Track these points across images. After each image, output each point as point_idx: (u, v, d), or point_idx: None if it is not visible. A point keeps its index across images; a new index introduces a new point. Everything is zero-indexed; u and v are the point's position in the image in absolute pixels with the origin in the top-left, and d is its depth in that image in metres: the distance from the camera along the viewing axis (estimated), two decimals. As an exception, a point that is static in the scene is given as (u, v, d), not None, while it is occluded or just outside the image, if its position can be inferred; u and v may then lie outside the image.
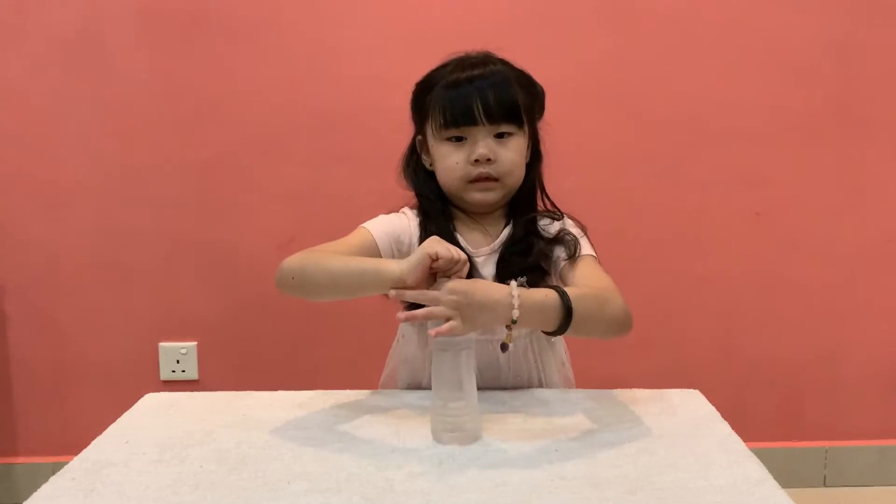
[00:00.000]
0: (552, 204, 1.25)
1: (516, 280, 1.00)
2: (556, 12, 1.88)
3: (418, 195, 1.23)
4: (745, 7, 1.90)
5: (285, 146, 1.91)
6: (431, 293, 0.96)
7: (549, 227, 1.21)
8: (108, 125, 1.90)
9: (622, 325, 1.07)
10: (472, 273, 1.14)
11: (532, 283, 1.10)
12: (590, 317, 1.02)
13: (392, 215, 1.23)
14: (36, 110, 1.88)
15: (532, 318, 0.99)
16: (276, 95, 1.89)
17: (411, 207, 1.24)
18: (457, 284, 0.96)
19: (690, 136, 1.94)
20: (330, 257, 1.08)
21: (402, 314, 0.99)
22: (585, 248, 1.18)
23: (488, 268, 1.18)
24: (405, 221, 1.21)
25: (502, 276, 1.15)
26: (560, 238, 1.18)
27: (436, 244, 0.98)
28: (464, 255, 0.99)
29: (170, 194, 1.92)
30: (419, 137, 1.23)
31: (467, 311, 0.94)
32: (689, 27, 1.91)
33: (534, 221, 1.20)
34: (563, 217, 1.23)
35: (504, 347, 1.03)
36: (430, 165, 1.21)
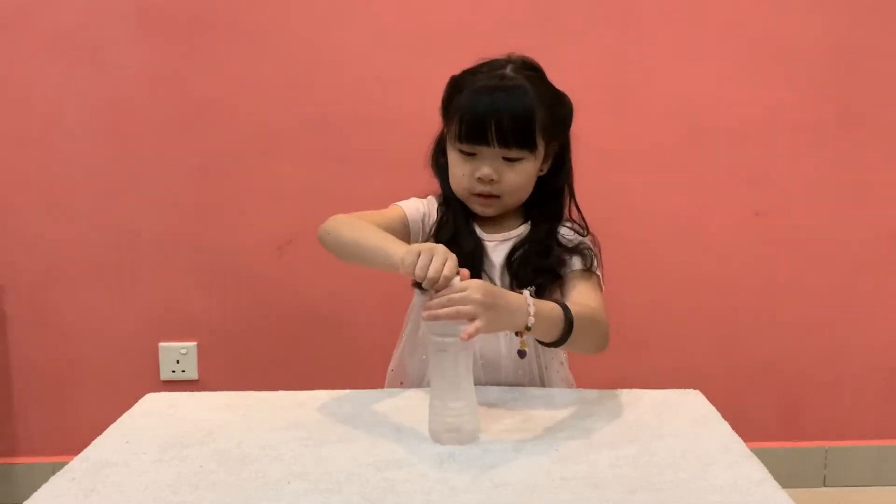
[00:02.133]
0: (581, 216, 1.27)
1: (528, 289, 1.04)
2: (556, 12, 1.88)
3: (442, 184, 1.27)
4: (746, 7, 1.90)
5: (285, 146, 1.91)
6: (458, 295, 0.96)
7: (571, 237, 1.24)
8: (109, 125, 1.90)
9: (603, 345, 1.15)
10: (482, 257, 1.20)
11: (543, 286, 1.18)
12: (583, 334, 1.07)
13: (422, 199, 1.29)
14: (36, 110, 1.88)
15: (540, 329, 1.02)
16: (276, 95, 1.89)
17: (436, 196, 1.29)
18: (483, 285, 0.97)
19: (690, 136, 1.94)
20: (362, 226, 1.13)
21: (426, 313, 0.97)
22: (596, 266, 1.22)
23: (498, 254, 1.22)
24: (430, 207, 1.28)
25: (516, 269, 1.20)
26: (579, 250, 1.21)
27: (426, 252, 0.97)
28: (447, 274, 0.96)
29: (170, 194, 1.92)
30: (445, 130, 1.25)
31: (492, 313, 0.96)
32: (690, 28, 1.91)
33: (556, 230, 1.23)
34: (586, 235, 1.25)
35: (522, 354, 1.05)
36: None
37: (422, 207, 1.27)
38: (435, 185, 1.29)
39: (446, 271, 0.97)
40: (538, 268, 1.19)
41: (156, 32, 1.87)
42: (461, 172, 1.19)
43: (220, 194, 1.92)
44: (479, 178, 1.17)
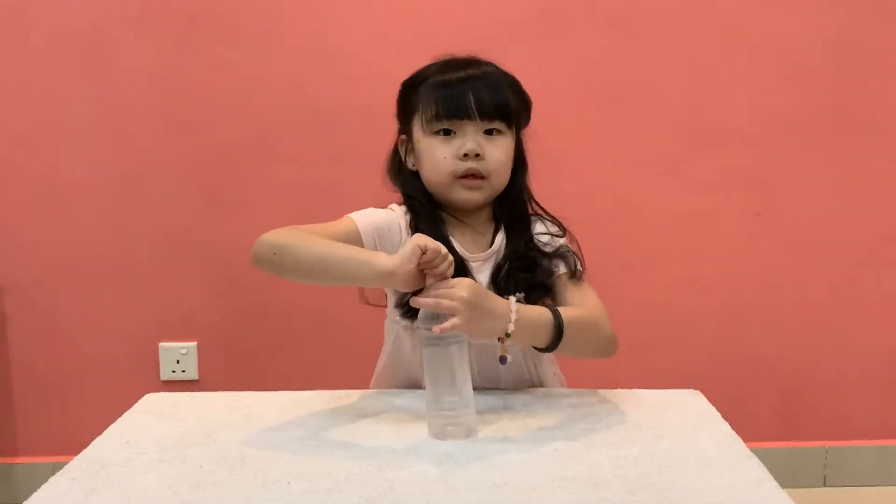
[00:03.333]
0: (543, 210, 1.25)
1: (515, 296, 1.03)
2: (555, 13, 1.88)
3: (406, 196, 1.22)
4: (745, 7, 1.90)
5: (285, 146, 1.91)
6: (445, 290, 0.96)
7: (548, 238, 1.20)
8: (109, 125, 1.90)
9: (607, 350, 1.13)
10: (469, 275, 1.14)
11: (534, 300, 1.14)
12: (579, 339, 1.07)
13: (380, 210, 1.22)
14: (36, 110, 1.88)
15: (525, 335, 1.03)
16: (276, 95, 1.89)
17: (399, 204, 1.23)
18: (472, 284, 0.98)
19: (690, 136, 1.94)
20: (317, 240, 1.06)
21: (414, 299, 0.98)
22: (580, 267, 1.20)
23: (483, 273, 1.18)
24: (392, 216, 1.20)
25: (502, 287, 1.15)
26: (561, 253, 1.19)
27: (424, 238, 0.98)
28: (448, 253, 0.99)
29: (170, 194, 1.92)
30: (402, 137, 1.22)
31: (474, 314, 0.96)
32: (689, 28, 1.91)
33: (532, 237, 1.20)
34: (564, 234, 1.22)
35: (503, 360, 1.05)
36: (413, 166, 1.20)
37: (379, 221, 1.17)
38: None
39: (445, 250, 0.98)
40: (529, 284, 1.15)
41: (156, 32, 1.87)
42: (442, 156, 1.14)
43: (220, 194, 1.92)
44: (464, 153, 1.13)
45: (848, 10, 1.90)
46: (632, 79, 1.91)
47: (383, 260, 0.99)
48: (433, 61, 1.19)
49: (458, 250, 1.16)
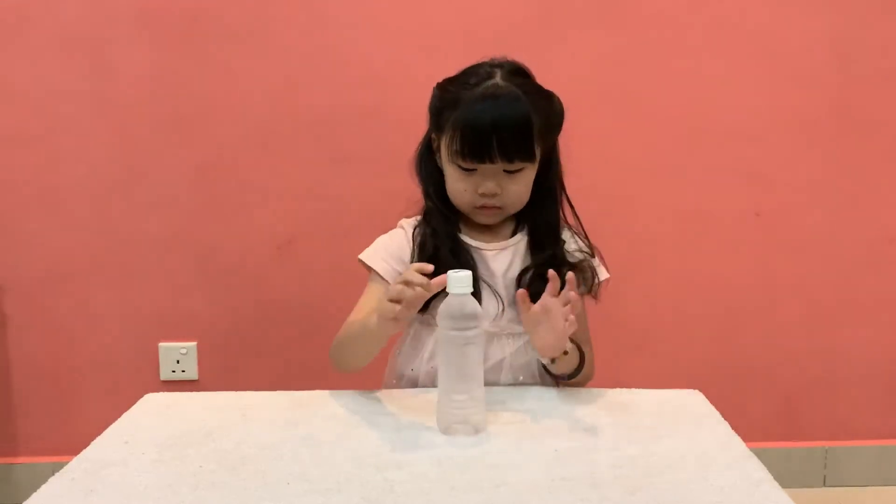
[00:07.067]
0: (574, 215, 1.27)
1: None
2: (556, 12, 1.88)
3: (424, 192, 1.26)
4: (745, 7, 1.90)
5: (285, 146, 1.91)
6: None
7: (580, 255, 1.25)
8: (108, 125, 1.90)
9: (590, 378, 1.24)
10: (480, 266, 1.20)
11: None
12: (583, 374, 1.19)
13: (389, 235, 1.27)
14: (36, 110, 1.88)
15: (567, 364, 1.15)
16: (276, 95, 1.89)
17: (408, 217, 1.28)
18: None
19: (690, 136, 1.94)
20: (345, 329, 1.19)
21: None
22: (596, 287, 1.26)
23: (499, 261, 1.22)
24: (400, 234, 1.26)
25: (527, 284, 1.18)
26: (583, 268, 1.23)
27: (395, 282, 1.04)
28: (416, 279, 0.99)
29: (170, 194, 1.92)
30: (433, 136, 1.24)
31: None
32: (689, 27, 1.91)
33: (561, 248, 1.24)
34: (593, 255, 1.26)
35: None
36: (441, 166, 1.24)
37: (392, 250, 1.24)
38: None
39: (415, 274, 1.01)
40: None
41: (156, 32, 1.87)
42: (463, 188, 1.19)
43: (220, 194, 1.92)
44: (482, 193, 1.18)
45: (849, 9, 1.90)
46: (632, 79, 1.91)
47: (371, 317, 1.08)
48: (470, 67, 1.21)
49: (469, 242, 1.23)
